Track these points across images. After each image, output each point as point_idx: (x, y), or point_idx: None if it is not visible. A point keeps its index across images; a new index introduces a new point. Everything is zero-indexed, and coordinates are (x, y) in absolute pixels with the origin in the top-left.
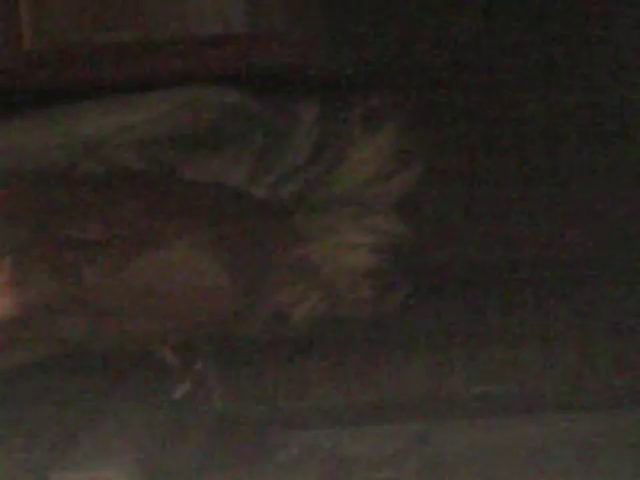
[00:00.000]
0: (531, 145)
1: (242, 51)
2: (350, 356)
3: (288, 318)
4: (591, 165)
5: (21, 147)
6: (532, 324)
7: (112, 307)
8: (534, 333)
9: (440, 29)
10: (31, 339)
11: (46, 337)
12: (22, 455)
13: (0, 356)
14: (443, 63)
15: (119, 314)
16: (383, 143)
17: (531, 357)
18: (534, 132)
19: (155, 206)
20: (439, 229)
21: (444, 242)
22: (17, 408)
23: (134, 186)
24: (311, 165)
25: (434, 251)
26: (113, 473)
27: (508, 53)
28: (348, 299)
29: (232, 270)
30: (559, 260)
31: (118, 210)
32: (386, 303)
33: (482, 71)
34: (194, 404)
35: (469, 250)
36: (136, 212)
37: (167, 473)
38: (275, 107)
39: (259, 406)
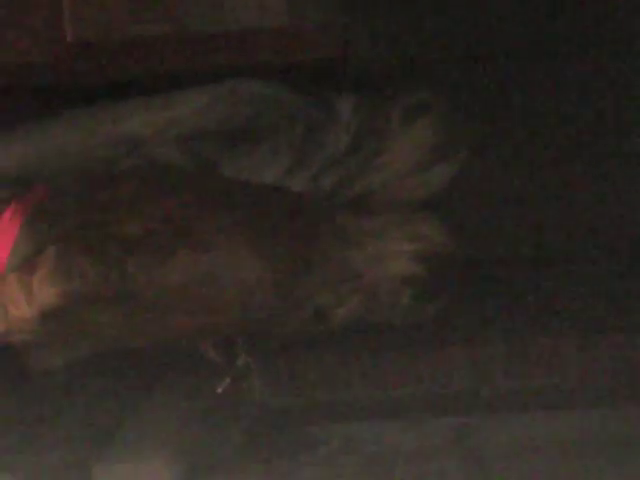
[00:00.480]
0: (563, 143)
1: (281, 45)
2: (390, 350)
3: (328, 319)
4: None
5: (66, 146)
6: (572, 319)
7: (154, 301)
8: (574, 328)
9: (478, 25)
10: (74, 333)
11: (88, 330)
12: (65, 448)
13: (48, 353)
14: (480, 59)
15: (161, 308)
16: (422, 136)
17: (571, 352)
18: (565, 131)
19: (196, 203)
20: (472, 226)
21: (479, 239)
22: (59, 402)
23: (175, 183)
24: (350, 157)
25: (469, 248)
26: (156, 464)
27: (543, 48)
28: (387, 305)
29: (273, 268)
30: (595, 254)
31: (159, 206)
32: (423, 312)
33: (519, 67)
34: (235, 397)
35: (505, 246)
36: (177, 208)
37: (208, 464)
38: (314, 100)
39: (299, 400)
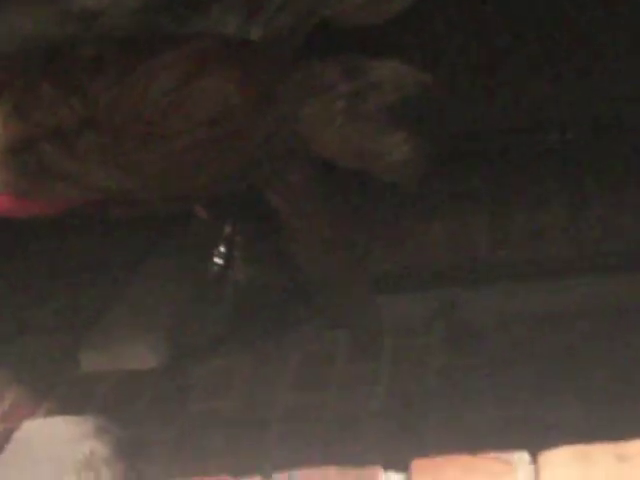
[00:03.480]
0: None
1: None
2: (373, 224)
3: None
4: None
5: (21, 28)
6: (554, 189)
7: (123, 126)
8: (556, 200)
9: None
10: (52, 175)
11: (67, 170)
12: (51, 335)
13: None
14: None
15: (131, 137)
16: None
17: (551, 224)
18: None
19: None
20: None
21: (465, 109)
22: (44, 286)
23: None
24: None
25: (455, 118)
26: (141, 347)
27: None
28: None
29: (243, 85)
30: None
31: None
32: (415, 164)
33: None
34: (218, 277)
35: (490, 117)
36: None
37: (193, 345)
38: None
39: (283, 278)
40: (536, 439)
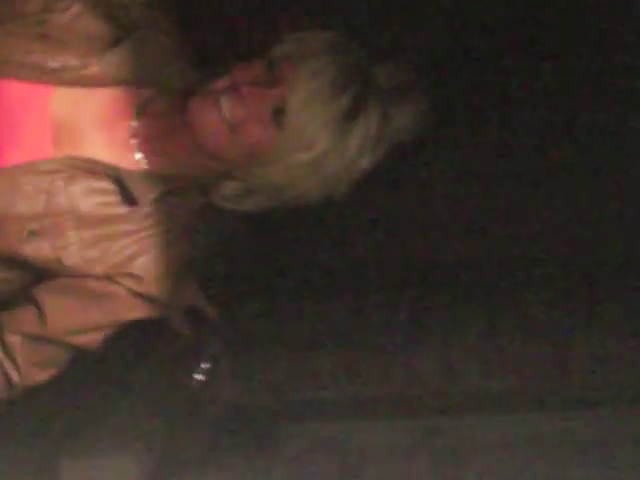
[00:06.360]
0: None
1: None
2: (363, 349)
3: None
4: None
5: None
6: (543, 320)
7: None
8: (546, 330)
9: None
10: None
11: None
12: (33, 440)
13: None
14: None
15: None
16: None
17: (543, 354)
18: None
19: None
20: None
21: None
22: (28, 394)
23: None
24: None
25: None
26: (123, 460)
27: None
28: None
29: None
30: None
31: None
32: None
33: None
34: (203, 394)
35: (483, 246)
36: None
37: (176, 461)
38: None
39: (268, 398)
40: None
